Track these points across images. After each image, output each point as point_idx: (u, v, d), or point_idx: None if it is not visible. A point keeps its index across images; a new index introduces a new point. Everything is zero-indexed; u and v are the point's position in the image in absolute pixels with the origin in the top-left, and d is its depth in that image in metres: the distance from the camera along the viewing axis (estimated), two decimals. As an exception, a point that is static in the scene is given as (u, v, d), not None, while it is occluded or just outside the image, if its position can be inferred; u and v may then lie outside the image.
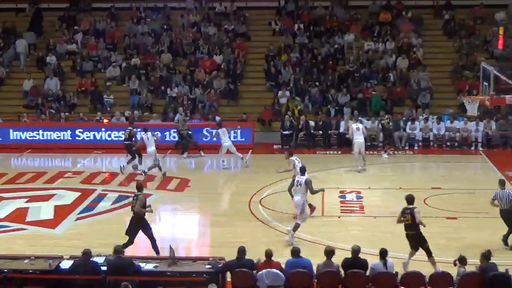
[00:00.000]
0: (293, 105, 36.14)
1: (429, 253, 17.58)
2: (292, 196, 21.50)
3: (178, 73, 38.98)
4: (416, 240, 17.80)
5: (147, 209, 18.67)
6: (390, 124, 33.54)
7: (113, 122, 35.22)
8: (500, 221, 21.67)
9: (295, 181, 20.91)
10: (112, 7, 43.88)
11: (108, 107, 37.37)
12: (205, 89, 37.69)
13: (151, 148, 28.32)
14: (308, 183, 20.44)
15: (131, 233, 18.64)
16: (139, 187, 19.29)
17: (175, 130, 33.69)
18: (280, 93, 37.10)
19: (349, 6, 43.40)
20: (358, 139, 28.80)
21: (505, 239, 19.83)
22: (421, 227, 17.64)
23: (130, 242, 18.56)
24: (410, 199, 18.08)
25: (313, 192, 20.77)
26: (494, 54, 38.69)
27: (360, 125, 29.48)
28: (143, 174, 28.12)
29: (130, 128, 29.94)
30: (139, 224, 18.56)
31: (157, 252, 18.23)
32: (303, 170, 21.15)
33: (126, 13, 43.88)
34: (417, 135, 33.91)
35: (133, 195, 19.23)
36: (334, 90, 37.26)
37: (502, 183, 20.32)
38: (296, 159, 22.92)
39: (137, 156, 29.22)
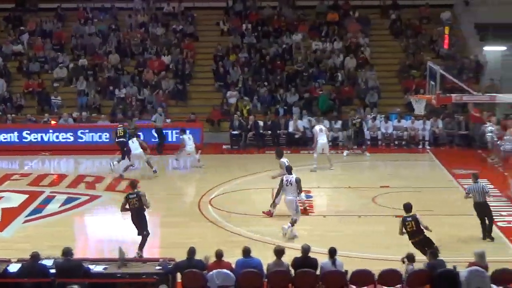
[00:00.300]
0: (242, 105, 36.15)
1: None
2: (275, 196, 22.27)
3: (126, 74, 38.76)
4: (424, 244, 17.85)
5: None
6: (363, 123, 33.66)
7: (60, 123, 34.86)
8: (448, 219, 22.10)
9: (285, 181, 21.21)
10: (59, 7, 43.45)
11: (55, 108, 36.98)
12: (154, 89, 37.53)
13: (137, 151, 28.12)
14: (298, 182, 21.03)
15: (143, 226, 18.93)
16: (134, 185, 19.42)
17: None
18: (228, 93, 37.09)
19: (297, 6, 43.52)
20: (322, 140, 29.21)
21: (484, 234, 20.38)
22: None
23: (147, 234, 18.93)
24: (408, 207, 18.31)
25: (301, 190, 21.51)
26: (440, 54, 39.16)
27: (323, 127, 30.01)
28: (154, 172, 28.33)
29: (121, 126, 29.77)
30: (144, 217, 18.91)
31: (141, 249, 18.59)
32: (290, 169, 21.64)
33: (73, 14, 43.49)
34: (366, 134, 34.09)
35: (127, 194, 19.21)
36: (283, 89, 37.36)
37: (475, 177, 20.83)
38: (286, 160, 23.06)
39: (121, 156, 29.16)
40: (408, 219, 17.96)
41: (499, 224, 21.69)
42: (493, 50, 42.42)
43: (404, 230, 18.00)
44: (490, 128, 30.92)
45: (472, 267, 15.03)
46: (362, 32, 41.20)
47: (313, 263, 15.62)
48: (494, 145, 30.85)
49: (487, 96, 28.80)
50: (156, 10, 43.41)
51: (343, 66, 39.09)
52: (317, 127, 29.81)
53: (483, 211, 20.48)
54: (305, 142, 33.89)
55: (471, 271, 14.87)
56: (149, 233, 18.89)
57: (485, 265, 15.22)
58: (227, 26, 42.17)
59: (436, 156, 32.02)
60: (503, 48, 43.25)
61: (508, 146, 28.76)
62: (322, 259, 15.77)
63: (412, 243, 17.92)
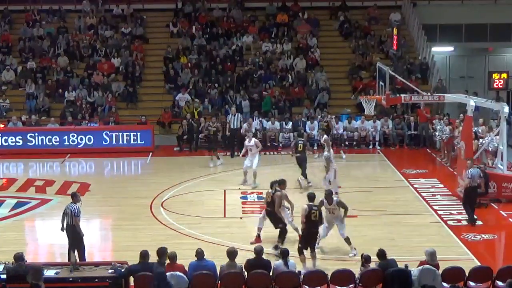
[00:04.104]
0: (192, 107, 36.05)
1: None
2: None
3: (75, 77, 38.43)
4: (315, 238, 18.31)
5: None
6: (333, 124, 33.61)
7: (9, 127, 34.46)
8: (400, 218, 22.32)
9: None
10: (6, 9, 42.97)
11: (3, 112, 36.58)
12: (104, 92, 37.28)
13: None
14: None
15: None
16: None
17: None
18: (179, 95, 36.97)
19: (246, 7, 43.58)
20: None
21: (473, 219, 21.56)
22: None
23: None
24: (313, 196, 18.61)
25: None
26: (389, 54, 39.46)
27: None
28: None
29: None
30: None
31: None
32: None
33: (20, 16, 43.05)
34: (316, 135, 34.18)
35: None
36: (233, 91, 37.36)
37: (472, 162, 22.45)
38: None
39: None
40: (315, 208, 18.24)
41: (449, 223, 21.96)
42: (440, 50, 43.04)
43: (305, 219, 18.18)
44: (439, 127, 31.15)
45: (423, 266, 15.19)
46: (311, 33, 41.37)
47: (266, 265, 15.68)
48: (443, 144, 31.18)
49: (435, 96, 29.07)
50: (105, 12, 43.14)
51: (293, 67, 39.21)
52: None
53: (475, 195, 21.90)
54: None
55: (422, 270, 15.03)
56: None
57: (436, 263, 15.39)
58: (177, 28, 42.07)
59: (386, 157, 32.21)
60: (450, 48, 43.91)
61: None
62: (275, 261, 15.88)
63: (314, 233, 18.26)
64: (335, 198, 19.52)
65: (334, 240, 19.64)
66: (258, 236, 20.27)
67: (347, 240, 19.27)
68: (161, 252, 15.38)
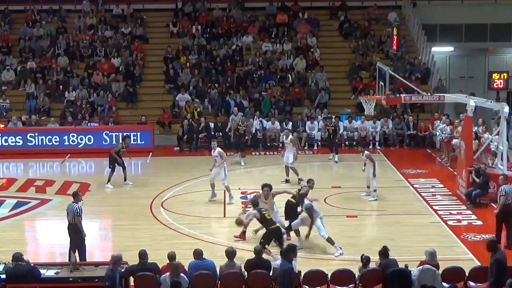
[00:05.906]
0: (192, 107, 36.05)
1: None
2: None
3: (75, 77, 38.41)
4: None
5: None
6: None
7: (9, 127, 34.46)
8: (397, 218, 22.28)
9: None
10: (6, 9, 42.96)
11: (4, 112, 36.57)
12: (104, 92, 37.26)
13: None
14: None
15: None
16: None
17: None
18: (179, 95, 36.96)
19: (246, 7, 43.57)
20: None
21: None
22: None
23: None
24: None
25: None
26: (389, 54, 39.44)
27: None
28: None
29: None
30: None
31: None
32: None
33: (21, 16, 43.04)
34: (316, 135, 34.24)
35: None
36: (233, 91, 37.34)
37: (505, 178, 20.78)
38: None
39: None
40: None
41: (449, 223, 21.95)
42: (440, 50, 43.03)
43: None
44: (439, 127, 31.11)
45: (423, 266, 15.17)
46: (311, 33, 41.36)
47: (266, 265, 15.67)
48: (443, 144, 31.17)
49: (435, 96, 29.07)
50: (105, 12, 43.16)
51: (293, 67, 39.19)
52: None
53: (510, 213, 19.93)
54: (256, 143, 33.90)
55: (422, 270, 15.00)
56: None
57: (436, 263, 15.38)
58: (177, 28, 42.06)
59: (386, 157, 32.14)
60: (450, 48, 43.91)
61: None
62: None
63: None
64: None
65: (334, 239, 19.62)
66: (244, 232, 20.42)
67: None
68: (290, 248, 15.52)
